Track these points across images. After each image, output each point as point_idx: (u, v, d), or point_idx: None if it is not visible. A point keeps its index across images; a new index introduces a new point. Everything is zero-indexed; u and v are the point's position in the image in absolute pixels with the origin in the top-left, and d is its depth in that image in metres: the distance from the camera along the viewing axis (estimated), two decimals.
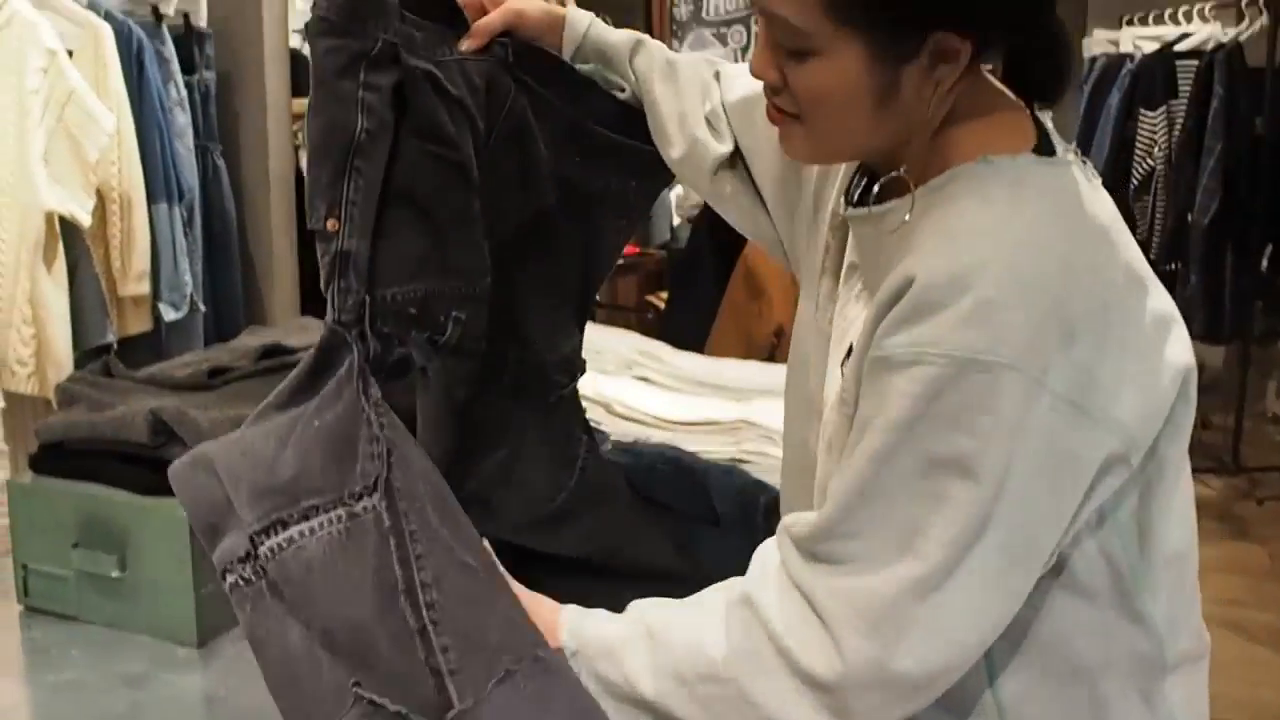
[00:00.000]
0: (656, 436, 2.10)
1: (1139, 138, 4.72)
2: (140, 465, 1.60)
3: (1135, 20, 4.93)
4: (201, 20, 3.44)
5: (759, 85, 1.17)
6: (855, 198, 1.20)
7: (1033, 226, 1.00)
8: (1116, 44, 4.86)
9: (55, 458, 1.66)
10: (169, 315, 3.31)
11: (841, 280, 1.23)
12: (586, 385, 2.41)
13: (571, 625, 1.11)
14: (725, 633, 1.05)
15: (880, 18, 1.01)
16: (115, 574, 1.57)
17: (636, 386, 2.46)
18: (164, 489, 1.58)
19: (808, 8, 1.02)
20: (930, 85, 1.05)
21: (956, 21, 1.01)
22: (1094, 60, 4.95)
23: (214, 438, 1.58)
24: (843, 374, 1.11)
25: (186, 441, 1.58)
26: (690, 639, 1.06)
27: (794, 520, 1.07)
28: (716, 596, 1.09)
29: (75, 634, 1.59)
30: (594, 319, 3.08)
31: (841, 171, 1.26)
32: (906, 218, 1.07)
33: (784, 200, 1.36)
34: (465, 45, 1.34)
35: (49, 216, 2.94)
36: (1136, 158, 4.73)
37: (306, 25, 1.26)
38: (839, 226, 1.24)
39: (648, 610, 1.11)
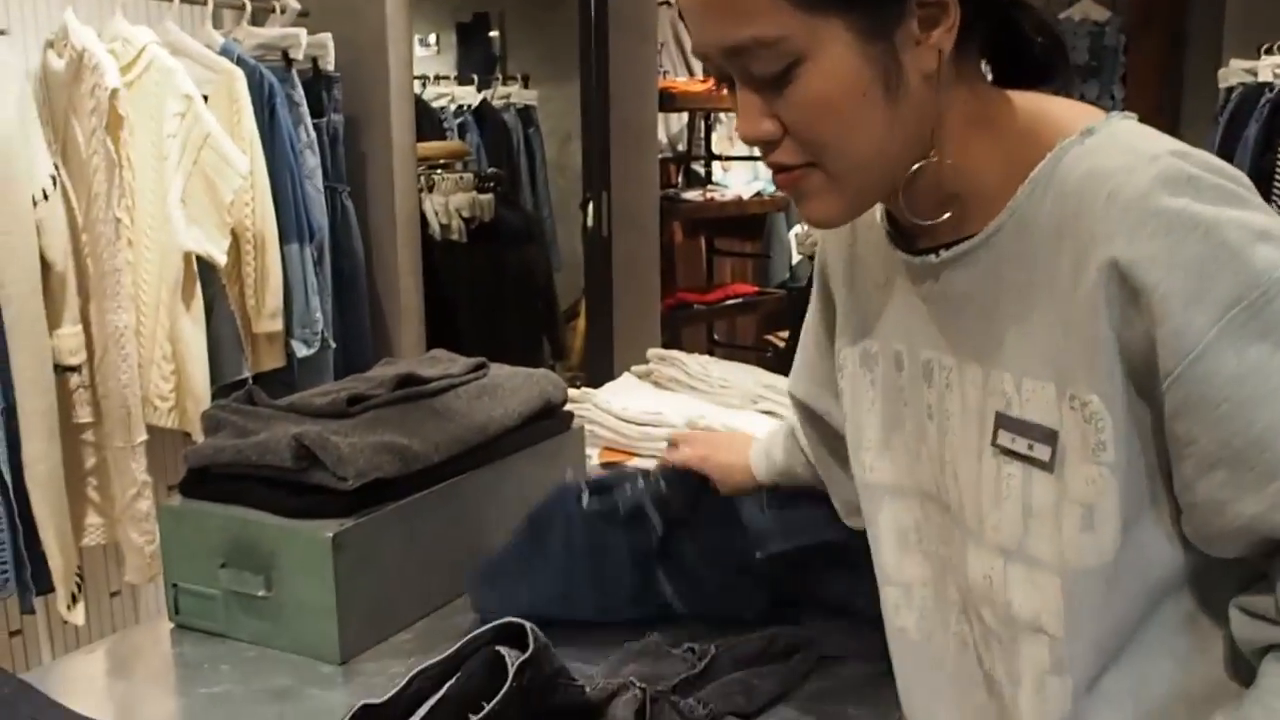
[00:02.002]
0: None
1: (1279, 170, 4.59)
2: (284, 489, 1.62)
3: (1275, 49, 4.78)
4: (330, 65, 3.50)
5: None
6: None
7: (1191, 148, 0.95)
8: (1255, 73, 4.70)
9: (202, 481, 1.68)
10: (301, 351, 3.36)
11: (927, 384, 1.13)
12: (715, 419, 2.42)
13: None
14: None
15: None
16: (261, 593, 1.59)
17: (762, 420, 2.45)
18: (307, 512, 1.60)
19: (774, 10, 0.95)
20: (931, 55, 0.98)
21: None
22: (1230, 90, 4.79)
23: (354, 462, 1.60)
24: (996, 447, 1.03)
25: (328, 465, 1.60)
26: None
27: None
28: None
29: (224, 650, 1.61)
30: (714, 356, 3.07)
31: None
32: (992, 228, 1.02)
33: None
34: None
35: (187, 257, 3.02)
36: (1276, 191, 4.60)
37: None
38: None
39: None
